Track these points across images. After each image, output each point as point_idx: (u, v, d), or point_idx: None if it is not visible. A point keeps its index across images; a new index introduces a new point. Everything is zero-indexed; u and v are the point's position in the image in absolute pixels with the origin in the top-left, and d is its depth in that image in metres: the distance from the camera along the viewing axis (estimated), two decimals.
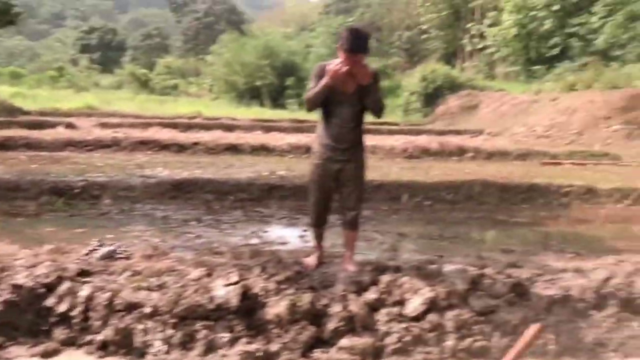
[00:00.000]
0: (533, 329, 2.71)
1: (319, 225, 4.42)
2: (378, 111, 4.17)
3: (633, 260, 4.98)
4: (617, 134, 17.13)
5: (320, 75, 3.98)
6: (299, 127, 21.57)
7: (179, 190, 8.32)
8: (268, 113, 28.76)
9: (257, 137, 16.18)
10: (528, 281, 4.26)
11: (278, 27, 54.17)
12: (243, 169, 10.47)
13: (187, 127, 19.14)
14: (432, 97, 29.49)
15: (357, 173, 4.23)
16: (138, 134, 14.99)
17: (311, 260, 4.38)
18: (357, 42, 3.80)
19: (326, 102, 4.05)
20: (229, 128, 19.84)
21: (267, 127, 20.69)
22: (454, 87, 29.36)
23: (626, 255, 5.25)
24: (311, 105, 4.18)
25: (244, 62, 36.31)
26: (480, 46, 36.99)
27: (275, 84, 35.69)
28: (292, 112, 29.86)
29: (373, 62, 35.77)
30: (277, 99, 35.23)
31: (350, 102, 4.03)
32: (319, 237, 4.49)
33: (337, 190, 4.30)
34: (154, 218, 7.08)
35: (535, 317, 3.98)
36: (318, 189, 4.25)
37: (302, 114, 29.01)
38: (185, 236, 6.15)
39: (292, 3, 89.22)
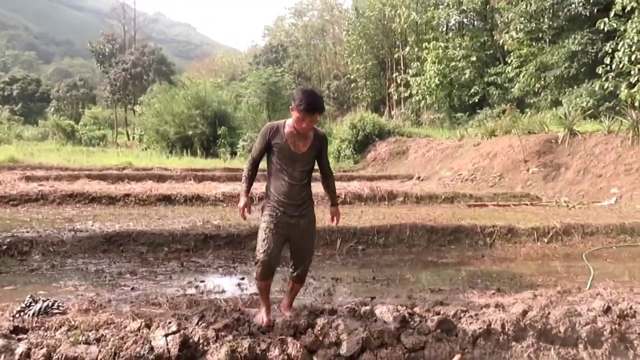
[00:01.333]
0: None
1: (267, 279, 4.26)
2: (330, 175, 4.49)
3: (548, 294, 5.41)
4: (535, 176, 18.21)
5: (269, 137, 4.11)
6: (232, 175, 21.60)
7: (112, 244, 8.22)
8: (200, 162, 28.64)
9: (190, 187, 16.12)
10: (454, 317, 4.54)
11: (208, 77, 54.57)
12: (177, 220, 10.44)
13: (117, 179, 18.75)
14: (362, 144, 30.39)
15: (310, 228, 4.31)
16: (65, 186, 14.61)
17: (263, 318, 4.22)
18: (314, 101, 3.88)
19: (277, 160, 4.12)
20: (161, 178, 19.62)
21: (200, 176, 20.60)
22: (382, 133, 30.40)
23: (542, 290, 5.69)
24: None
25: (175, 111, 36.19)
26: (406, 94, 38.61)
27: (206, 133, 35.69)
28: (225, 161, 29.89)
29: None
30: (209, 148, 35.18)
31: (302, 162, 4.13)
32: (267, 291, 4.33)
33: (289, 244, 4.34)
34: (87, 272, 6.96)
35: (461, 351, 4.25)
36: (270, 242, 4.11)
37: (235, 163, 29.15)
38: (121, 289, 6.09)
39: (222, 54, 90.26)
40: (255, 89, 37.01)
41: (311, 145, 4.12)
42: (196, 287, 6.36)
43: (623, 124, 16.95)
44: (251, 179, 4.30)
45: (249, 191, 4.30)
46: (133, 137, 54.77)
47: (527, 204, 14.52)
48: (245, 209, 4.21)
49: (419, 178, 22.21)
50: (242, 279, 6.89)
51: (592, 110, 20.41)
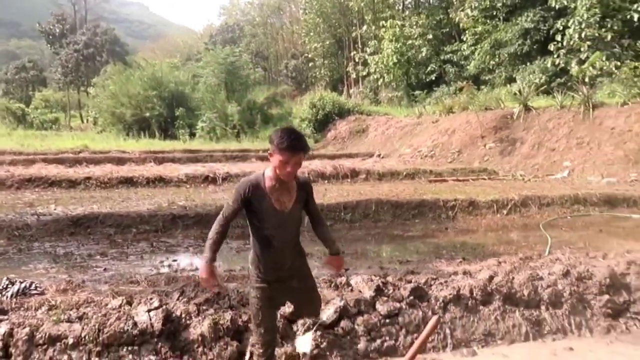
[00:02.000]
0: (432, 321, 3.11)
1: (271, 356, 3.55)
2: (322, 219, 3.83)
3: (511, 260, 5.69)
4: (492, 151, 18.72)
5: (247, 195, 3.33)
6: (193, 157, 21.48)
7: (79, 226, 8.15)
8: (159, 144, 28.24)
9: (151, 169, 15.96)
10: (425, 285, 4.76)
11: (163, 58, 53.51)
12: (141, 201, 10.38)
13: (75, 162, 18.39)
14: (322, 123, 30.52)
15: (306, 282, 3.72)
16: (22, 171, 14.28)
17: None
18: (296, 139, 3.24)
19: (261, 225, 3.40)
20: (120, 161, 19.35)
21: (160, 158, 20.36)
22: (342, 112, 30.58)
23: (506, 257, 5.96)
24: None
25: (131, 93, 35.43)
26: (364, 73, 38.78)
27: (164, 114, 35.13)
28: (185, 143, 29.58)
29: (261, 91, 36.64)
30: (167, 130, 34.68)
31: (291, 221, 3.47)
32: None
33: (294, 304, 3.91)
34: (55, 255, 6.90)
35: (433, 316, 4.47)
36: (267, 318, 3.51)
37: (195, 144, 28.88)
38: (93, 270, 6.09)
39: (176, 33, 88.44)
40: (213, 69, 36.53)
41: (297, 198, 3.45)
42: (169, 266, 6.42)
43: (574, 99, 17.56)
44: (218, 243, 3.39)
45: (215, 258, 3.38)
46: (87, 120, 53.33)
47: (485, 179, 14.97)
48: (211, 279, 3.36)
49: (379, 156, 22.52)
50: None
51: (545, 86, 21.02)
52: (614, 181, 13.74)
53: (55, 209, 9.22)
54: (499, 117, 19.77)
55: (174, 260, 6.68)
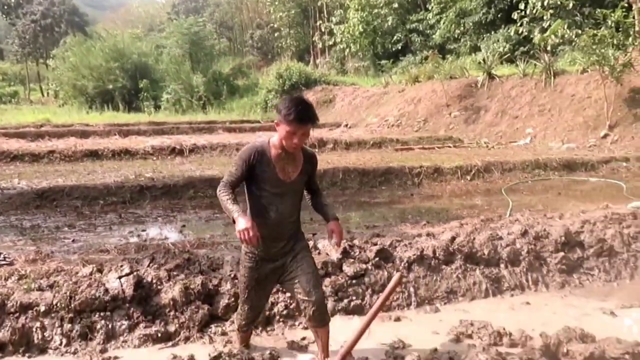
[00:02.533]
0: (395, 278, 3.25)
1: (249, 331, 3.64)
2: (320, 192, 3.57)
3: (473, 222, 5.89)
4: (457, 119, 19.00)
5: (252, 163, 3.17)
6: (159, 129, 21.22)
7: (45, 199, 8.08)
8: (124, 117, 27.79)
9: (116, 142, 15.77)
10: (390, 246, 4.92)
11: (125, 29, 52.11)
12: (107, 174, 10.30)
13: (37, 136, 18.03)
14: (289, 93, 30.37)
15: (303, 259, 3.41)
16: None
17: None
18: (305, 110, 3.06)
19: (261, 193, 3.24)
20: (84, 134, 18.99)
21: (125, 131, 20.06)
22: (309, 83, 30.46)
23: (468, 219, 6.17)
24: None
25: (92, 65, 34.60)
26: (330, 43, 38.52)
27: (127, 86, 34.48)
28: (150, 115, 29.16)
29: (227, 62, 36.12)
30: (131, 102, 34.09)
31: (292, 193, 3.31)
32: (247, 340, 3.72)
33: (285, 287, 3.60)
34: (22, 228, 6.85)
35: (402, 270, 4.63)
36: (254, 297, 3.43)
37: (160, 116, 28.50)
38: (61, 242, 6.08)
39: (137, 3, 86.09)
40: (177, 40, 35.83)
41: (302, 170, 3.30)
42: (138, 236, 6.44)
43: (537, 67, 17.88)
44: (235, 199, 3.13)
45: (240, 208, 3.09)
46: (48, 93, 51.90)
47: (450, 146, 15.23)
48: (254, 227, 3.02)
49: (346, 125, 22.63)
50: (184, 226, 7.02)
51: (508, 55, 21.28)
52: (574, 146, 14.16)
53: (18, 183, 9.10)
54: (464, 85, 20.02)
55: (143, 231, 6.71)
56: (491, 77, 19.19)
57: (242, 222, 2.98)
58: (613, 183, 9.95)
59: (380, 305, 3.15)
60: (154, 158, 13.51)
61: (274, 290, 4.05)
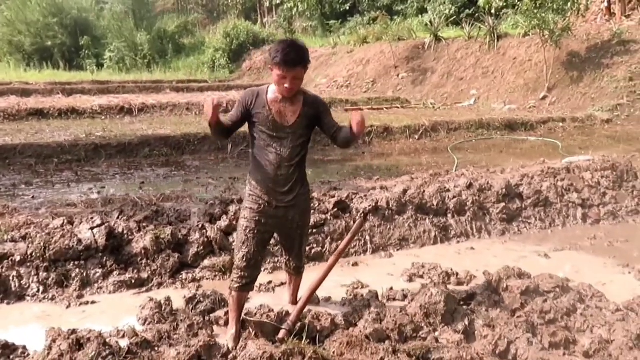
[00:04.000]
0: (358, 222, 3.55)
1: (244, 290, 3.30)
2: (346, 142, 3.28)
3: (422, 177, 6.29)
4: (405, 80, 19.43)
5: (249, 106, 3.18)
6: (104, 88, 20.75)
7: None
8: (65, 75, 26.88)
9: (60, 101, 15.38)
10: (347, 199, 5.24)
11: None
12: (56, 133, 10.16)
13: None
14: (236, 53, 30.03)
15: (303, 220, 3.42)
16: None
17: (230, 339, 3.18)
18: (292, 52, 2.98)
19: (260, 136, 3.21)
20: (25, 93, 18.36)
21: (69, 90, 19.52)
22: (257, 42, 30.19)
23: (417, 174, 6.56)
24: (214, 137, 3.51)
25: (29, 20, 33.06)
26: (277, 2, 38.01)
27: (67, 43, 33.19)
28: (93, 74, 28.30)
29: (171, 19, 35.12)
30: (72, 60, 32.89)
31: (292, 136, 3.20)
32: (240, 307, 3.31)
33: (278, 236, 3.60)
34: None
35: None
36: (251, 246, 3.25)
37: (104, 75, 27.73)
38: (21, 198, 6.13)
39: None
40: None
41: (301, 115, 3.18)
42: (98, 192, 6.54)
43: (481, 30, 18.41)
44: (224, 124, 3.19)
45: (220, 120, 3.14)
46: None
47: (398, 107, 15.65)
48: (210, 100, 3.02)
49: None
50: (142, 183, 7.13)
51: (454, 17, 21.75)
52: (515, 108, 14.84)
53: None
54: (411, 47, 20.40)
55: (102, 188, 6.80)
56: (438, 39, 19.63)
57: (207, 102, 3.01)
58: (550, 142, 10.60)
59: (345, 247, 3.45)
60: (102, 117, 13.33)
61: None
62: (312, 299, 3.46)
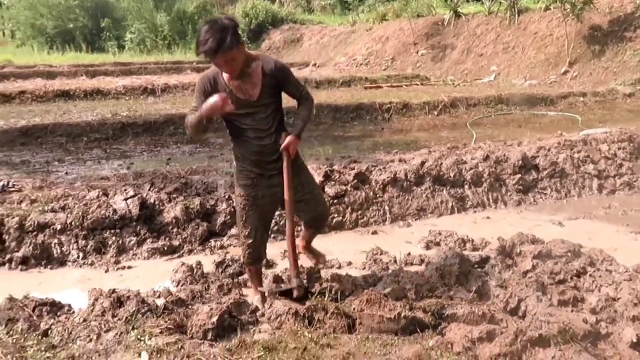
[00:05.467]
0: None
1: (256, 263, 3.43)
2: (305, 100, 3.32)
3: (440, 149, 6.44)
4: (424, 57, 19.38)
5: (207, 91, 3.03)
6: (126, 69, 21.07)
7: (29, 136, 8.31)
8: (87, 57, 27.23)
9: (85, 83, 15.71)
10: (366, 171, 5.43)
11: None
12: (83, 114, 10.44)
13: (1, 77, 17.77)
14: (255, 32, 30.09)
15: (302, 178, 3.37)
16: None
17: (258, 303, 3.35)
18: (210, 42, 2.79)
19: (229, 118, 3.14)
20: (50, 75, 18.74)
21: (92, 72, 19.87)
22: (275, 22, 30.20)
23: (435, 147, 6.72)
24: (194, 135, 3.25)
25: (51, 3, 33.44)
26: None
27: (89, 26, 33.56)
28: (114, 56, 28.63)
29: (190, 0, 35.16)
30: (94, 42, 33.26)
31: (262, 108, 3.12)
32: (258, 276, 3.50)
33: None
34: (12, 163, 7.14)
35: (374, 196, 5.18)
36: (253, 222, 3.27)
37: (125, 57, 28.05)
38: (55, 174, 6.42)
39: None
40: None
41: (263, 85, 3.07)
42: (128, 168, 6.80)
43: (502, 5, 18.23)
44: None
45: None
46: (4, 33, 49.94)
47: (417, 84, 15.68)
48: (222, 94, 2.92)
49: (315, 65, 22.76)
50: (169, 159, 7.40)
51: None
52: (535, 83, 14.77)
53: None
54: (431, 23, 20.29)
55: (131, 164, 7.07)
56: (457, 15, 19.49)
57: (212, 98, 2.89)
58: (570, 116, 10.62)
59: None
60: (127, 98, 13.60)
61: None
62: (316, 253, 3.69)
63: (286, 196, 3.17)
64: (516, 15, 17.42)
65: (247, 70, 3.01)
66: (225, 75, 3.02)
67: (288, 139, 3.14)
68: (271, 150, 3.17)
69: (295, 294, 3.18)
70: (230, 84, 3.03)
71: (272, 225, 4.06)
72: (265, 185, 3.23)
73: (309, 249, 3.76)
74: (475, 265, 3.81)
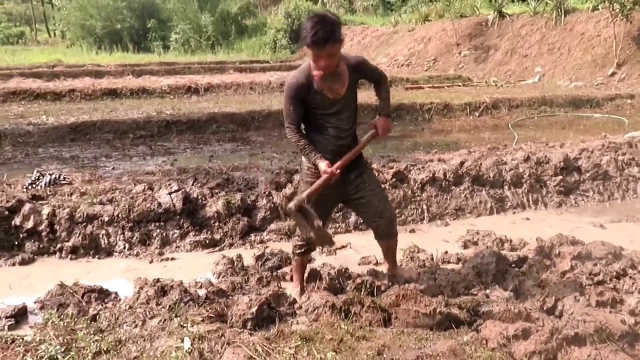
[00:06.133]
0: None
1: (304, 254, 3.53)
2: (382, 80, 3.50)
3: (480, 150, 6.41)
4: (467, 58, 19.19)
5: (300, 97, 3.10)
6: (171, 69, 21.58)
7: (78, 133, 8.63)
8: (134, 58, 28.00)
9: (131, 82, 16.15)
10: (405, 170, 5.46)
11: None
12: (129, 112, 10.76)
13: (52, 76, 18.43)
14: (298, 33, 30.30)
15: (370, 179, 3.50)
16: (3, 85, 14.44)
17: (297, 296, 3.45)
18: (319, 31, 2.85)
19: (317, 115, 3.19)
20: (98, 74, 19.33)
21: (138, 71, 20.41)
22: None
23: (475, 148, 6.68)
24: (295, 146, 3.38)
25: (100, 4, 34.48)
26: None
27: (136, 27, 34.46)
28: (160, 56, 29.30)
29: (234, 1, 35.58)
30: (140, 43, 34.14)
31: (347, 106, 3.24)
32: (302, 270, 3.60)
33: (352, 207, 3.68)
34: (63, 158, 7.44)
35: (412, 195, 5.20)
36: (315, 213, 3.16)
37: (170, 57, 28.66)
38: (103, 169, 6.67)
39: None
40: None
41: (351, 83, 3.16)
42: (172, 164, 7.00)
43: (548, 6, 17.89)
44: (311, 143, 3.22)
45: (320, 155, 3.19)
46: (55, 34, 51.71)
47: (460, 85, 15.54)
48: (332, 168, 3.12)
49: None
50: (212, 156, 7.57)
51: None
52: (582, 85, 14.46)
53: (48, 120, 9.61)
54: (474, 24, 20.07)
55: (175, 160, 7.27)
56: (502, 15, 19.23)
57: (323, 166, 3.10)
58: (617, 119, 10.38)
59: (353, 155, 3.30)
60: (171, 97, 13.94)
61: None
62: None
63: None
64: (563, 15, 17.07)
65: (337, 70, 3.08)
66: (315, 78, 3.06)
67: (382, 120, 3.44)
68: (344, 150, 3.26)
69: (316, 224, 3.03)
70: (322, 86, 3.08)
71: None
72: (333, 185, 3.20)
73: (397, 270, 3.73)
74: (513, 265, 3.80)
